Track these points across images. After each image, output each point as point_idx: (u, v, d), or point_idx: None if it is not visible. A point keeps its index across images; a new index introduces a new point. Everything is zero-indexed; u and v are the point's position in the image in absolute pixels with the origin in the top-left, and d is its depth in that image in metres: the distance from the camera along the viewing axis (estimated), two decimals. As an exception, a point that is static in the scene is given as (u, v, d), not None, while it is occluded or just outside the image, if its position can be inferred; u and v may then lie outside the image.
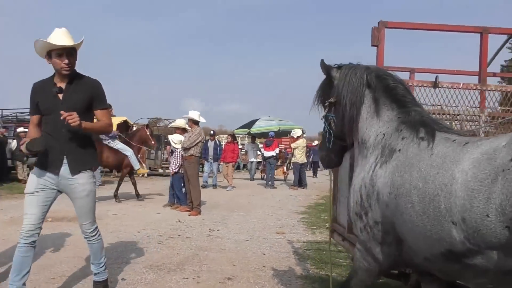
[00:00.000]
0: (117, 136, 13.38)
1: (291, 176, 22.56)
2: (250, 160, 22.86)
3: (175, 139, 11.64)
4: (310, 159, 30.39)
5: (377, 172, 2.77)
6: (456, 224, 2.19)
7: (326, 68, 3.37)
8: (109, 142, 12.89)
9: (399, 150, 2.71)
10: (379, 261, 2.82)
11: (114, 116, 14.83)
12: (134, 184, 13.49)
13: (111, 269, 5.89)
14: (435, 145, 2.54)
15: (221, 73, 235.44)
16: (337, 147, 3.38)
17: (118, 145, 13.04)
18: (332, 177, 5.04)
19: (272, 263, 6.67)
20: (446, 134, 2.64)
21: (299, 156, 19.12)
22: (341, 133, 3.32)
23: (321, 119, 3.41)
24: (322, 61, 3.39)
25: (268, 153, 19.31)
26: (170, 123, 28.76)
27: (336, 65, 3.39)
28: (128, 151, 12.98)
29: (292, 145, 19.69)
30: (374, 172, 2.79)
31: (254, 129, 22.45)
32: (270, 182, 19.08)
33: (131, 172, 13.58)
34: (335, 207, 5.03)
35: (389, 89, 3.04)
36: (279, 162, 22.62)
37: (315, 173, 29.27)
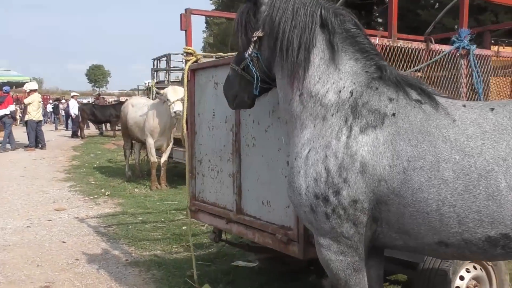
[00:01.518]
0: None
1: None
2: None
3: None
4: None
5: (357, 139, 2.25)
6: None
7: None
8: None
9: (393, 114, 2.25)
10: (355, 245, 2.35)
11: None
12: None
13: None
14: (449, 111, 2.19)
15: None
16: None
17: None
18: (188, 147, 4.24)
19: (82, 252, 5.45)
20: (441, 98, 2.30)
21: (35, 113, 16.52)
22: (266, 76, 2.68)
23: (247, 57, 2.64)
24: None
25: (0, 112, 15.97)
26: None
27: None
28: None
29: (25, 100, 16.81)
30: (351, 138, 2.26)
31: None
32: (3, 145, 15.97)
33: None
34: (193, 182, 4.25)
35: (351, 35, 2.49)
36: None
37: None
